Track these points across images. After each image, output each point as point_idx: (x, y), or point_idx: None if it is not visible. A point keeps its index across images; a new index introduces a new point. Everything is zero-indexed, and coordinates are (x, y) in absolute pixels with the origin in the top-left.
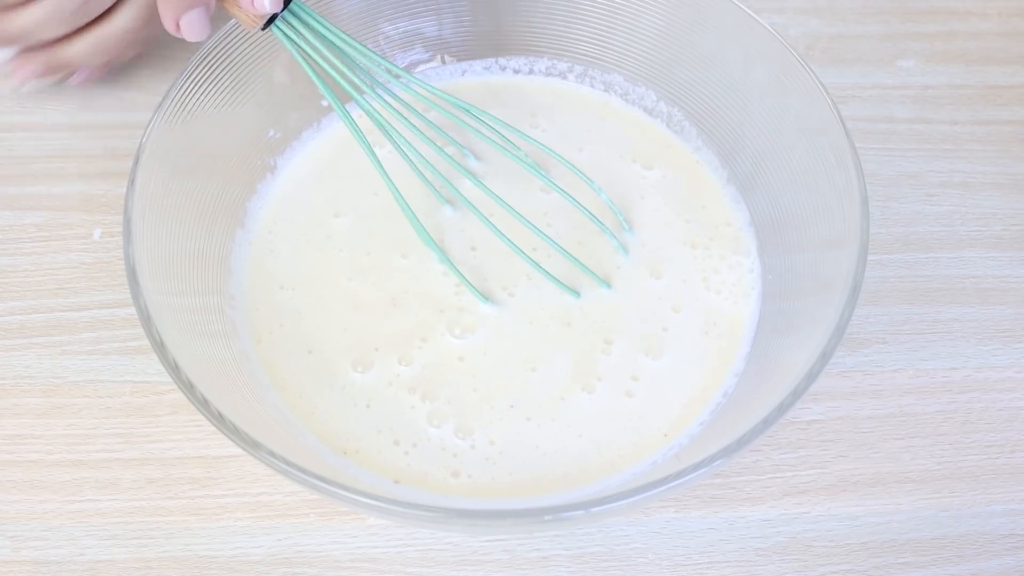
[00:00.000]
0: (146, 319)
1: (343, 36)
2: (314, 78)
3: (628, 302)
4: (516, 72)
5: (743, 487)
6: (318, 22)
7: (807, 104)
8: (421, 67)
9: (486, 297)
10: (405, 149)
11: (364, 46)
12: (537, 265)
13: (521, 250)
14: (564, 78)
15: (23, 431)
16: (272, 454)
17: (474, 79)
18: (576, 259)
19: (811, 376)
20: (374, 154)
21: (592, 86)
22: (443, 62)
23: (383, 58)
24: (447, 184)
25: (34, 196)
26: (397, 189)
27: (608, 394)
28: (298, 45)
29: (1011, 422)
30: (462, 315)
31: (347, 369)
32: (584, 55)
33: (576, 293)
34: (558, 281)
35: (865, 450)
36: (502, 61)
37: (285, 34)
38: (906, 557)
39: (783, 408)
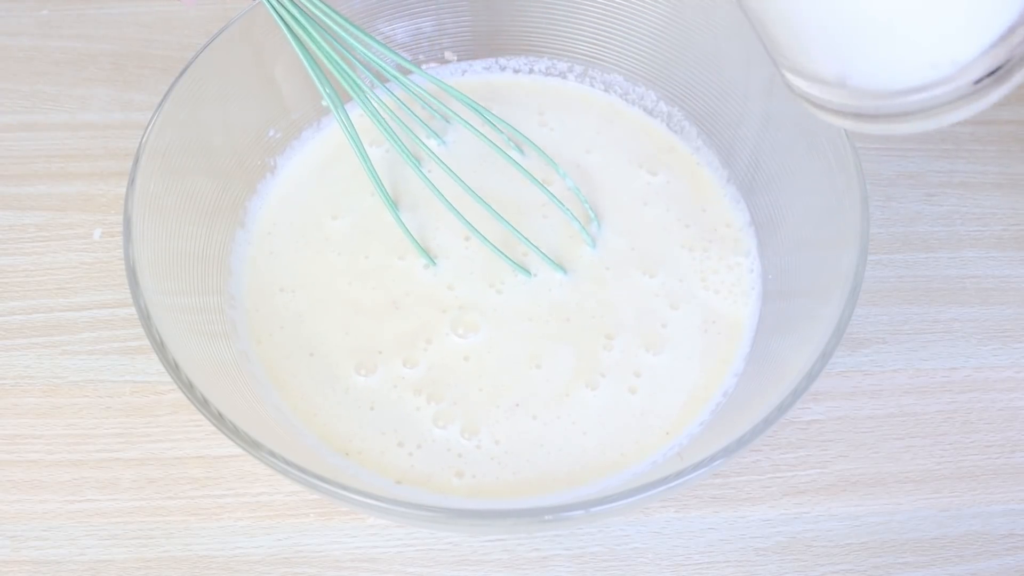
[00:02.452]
0: (146, 319)
1: (332, 12)
2: (300, 53)
3: (622, 298)
4: (516, 72)
5: (743, 487)
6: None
7: None
8: (420, 67)
9: (432, 258)
10: (387, 118)
11: (354, 25)
12: (486, 240)
13: (471, 224)
14: (564, 78)
15: (23, 431)
16: (272, 454)
17: (474, 79)
18: (533, 245)
19: (811, 376)
20: (353, 128)
21: (592, 86)
22: (443, 62)
23: (371, 37)
24: (409, 159)
25: (34, 196)
26: (367, 156)
27: (612, 390)
28: (286, 20)
29: (1011, 422)
30: (464, 313)
31: (350, 372)
32: (584, 55)
33: (527, 272)
34: (508, 258)
35: (865, 450)
36: (502, 61)
37: (272, 6)
38: (906, 557)
39: (783, 408)
